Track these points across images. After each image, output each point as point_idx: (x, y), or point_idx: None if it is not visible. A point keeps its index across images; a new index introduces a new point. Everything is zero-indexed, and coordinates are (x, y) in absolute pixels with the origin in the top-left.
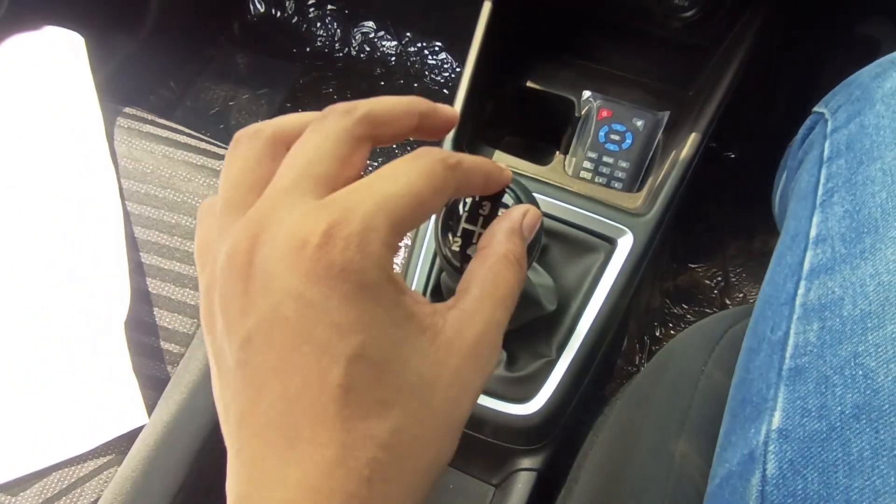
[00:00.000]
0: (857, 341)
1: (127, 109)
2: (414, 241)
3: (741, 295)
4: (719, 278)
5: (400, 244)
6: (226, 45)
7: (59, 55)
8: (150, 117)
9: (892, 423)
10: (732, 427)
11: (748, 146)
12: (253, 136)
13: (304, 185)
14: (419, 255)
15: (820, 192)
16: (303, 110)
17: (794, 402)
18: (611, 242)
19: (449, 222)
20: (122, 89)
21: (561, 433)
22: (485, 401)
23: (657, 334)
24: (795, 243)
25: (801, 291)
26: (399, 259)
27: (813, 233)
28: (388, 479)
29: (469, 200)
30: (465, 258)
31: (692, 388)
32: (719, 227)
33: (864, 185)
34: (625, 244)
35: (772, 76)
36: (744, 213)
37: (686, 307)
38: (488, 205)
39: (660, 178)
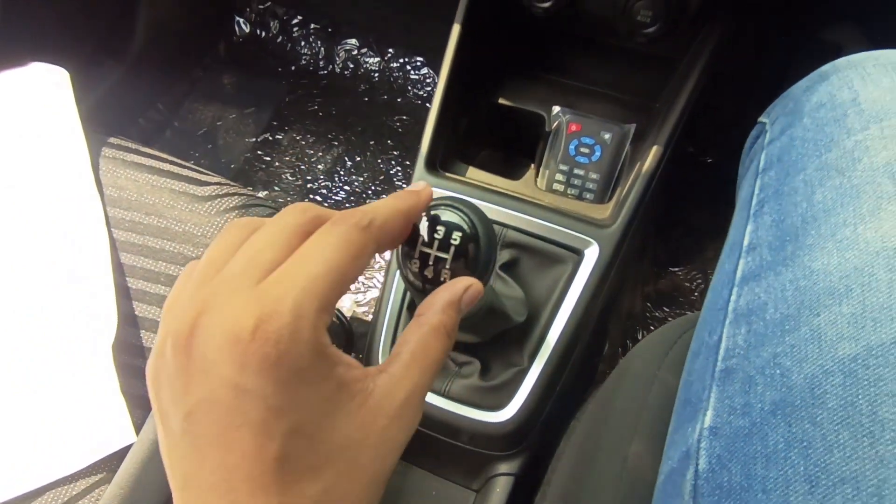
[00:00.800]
0: (777, 343)
1: (111, 139)
2: (389, 264)
3: None
4: (699, 280)
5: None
6: (212, 67)
7: (44, 91)
8: (133, 146)
9: (802, 417)
10: (676, 427)
11: (724, 150)
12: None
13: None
14: (394, 277)
15: (754, 202)
16: (289, 128)
17: (724, 401)
18: (578, 253)
19: (409, 246)
20: (111, 114)
21: (539, 437)
22: (459, 409)
23: (638, 337)
24: (732, 252)
25: (733, 298)
26: (378, 277)
27: (745, 241)
28: None
29: (426, 225)
30: (424, 279)
31: (646, 392)
32: (698, 230)
33: (789, 196)
34: (591, 255)
35: (743, 81)
36: (722, 216)
37: (667, 310)
38: (442, 228)
39: (625, 190)
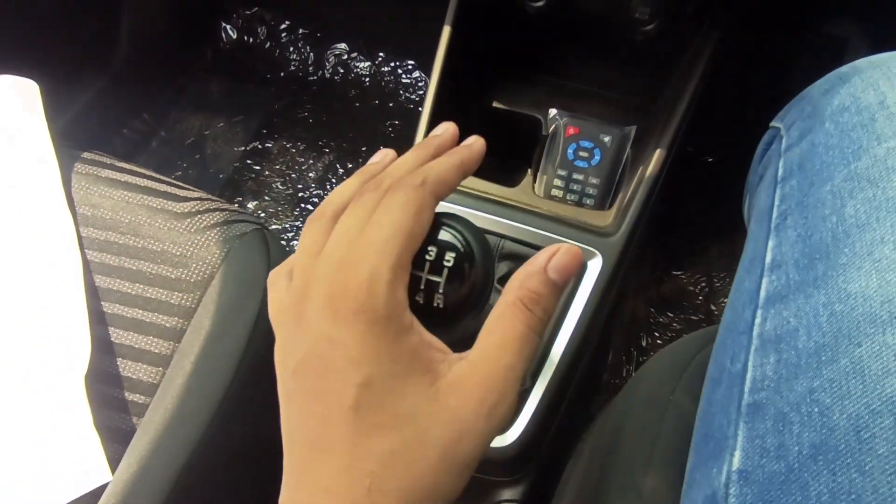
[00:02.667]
0: (813, 375)
1: (85, 154)
2: None
3: (725, 300)
4: (703, 284)
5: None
6: (199, 75)
7: (11, 104)
8: (108, 161)
9: (848, 464)
10: (696, 464)
11: (725, 149)
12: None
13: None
14: None
15: (774, 214)
16: (279, 136)
17: (754, 440)
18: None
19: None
20: (94, 125)
21: (543, 459)
22: None
23: (643, 344)
24: (753, 267)
25: (758, 321)
26: None
27: (768, 258)
28: (386, 493)
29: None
30: (415, 306)
31: (659, 418)
32: (700, 232)
33: (815, 208)
34: (594, 267)
35: (744, 79)
36: (724, 217)
37: (671, 315)
38: (434, 249)
39: (627, 196)
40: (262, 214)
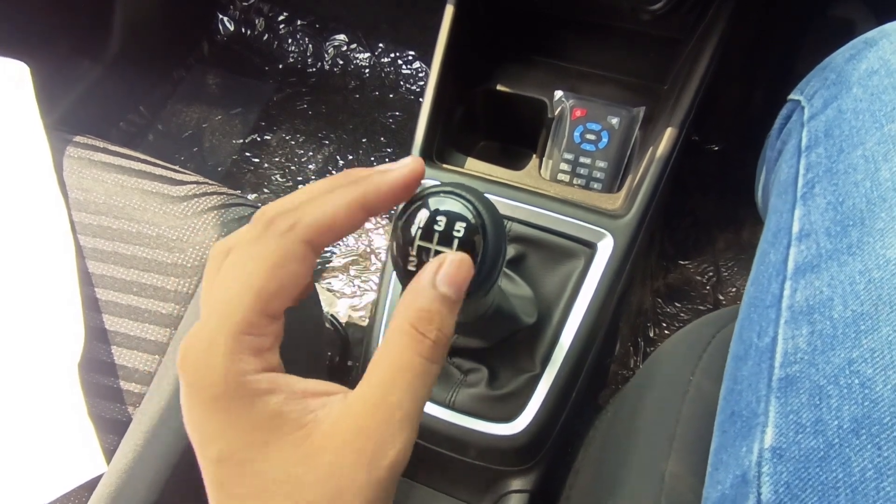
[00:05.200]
0: (851, 346)
1: (77, 138)
2: (385, 264)
3: (734, 289)
4: (710, 273)
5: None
6: (196, 67)
7: (1, 86)
8: (101, 144)
9: (894, 438)
10: (723, 444)
11: (731, 137)
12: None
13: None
14: (389, 279)
15: (800, 183)
16: (278, 128)
17: (787, 416)
18: (591, 247)
19: (404, 241)
20: (88, 117)
21: (553, 448)
22: (466, 421)
23: (651, 335)
24: (778, 240)
25: (786, 293)
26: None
27: (796, 228)
28: None
29: (423, 215)
30: None
31: (679, 400)
32: (707, 221)
33: (846, 174)
34: (605, 248)
35: (749, 64)
36: (731, 206)
37: (679, 305)
38: (444, 219)
39: (638, 177)
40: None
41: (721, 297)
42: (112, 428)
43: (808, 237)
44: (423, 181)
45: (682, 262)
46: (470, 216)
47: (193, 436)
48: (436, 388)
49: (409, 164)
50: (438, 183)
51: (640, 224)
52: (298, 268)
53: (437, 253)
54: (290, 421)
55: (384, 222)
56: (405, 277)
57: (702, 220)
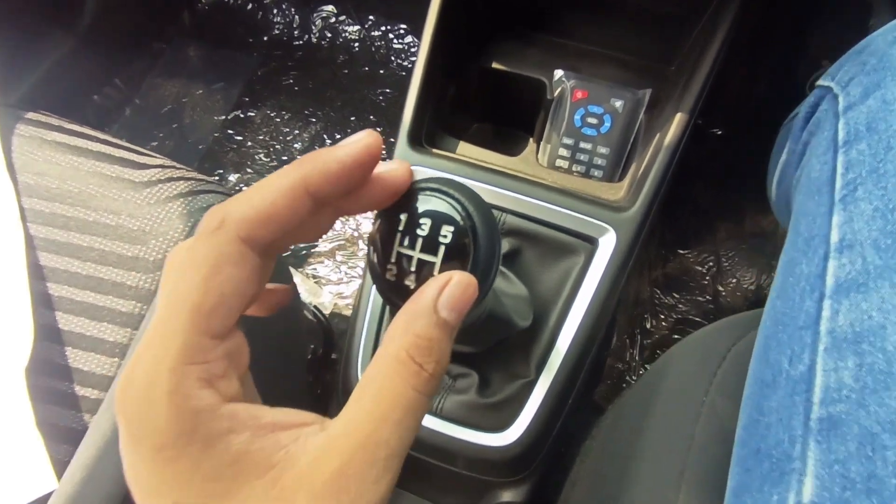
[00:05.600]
0: None
1: (30, 115)
2: (366, 273)
3: (734, 280)
4: (711, 264)
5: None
6: (175, 38)
7: None
8: (56, 122)
9: None
10: (745, 485)
11: (734, 122)
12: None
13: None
14: (370, 289)
15: (839, 184)
16: (262, 104)
17: (831, 466)
18: (591, 242)
19: (382, 246)
20: (60, 90)
21: (547, 456)
22: (454, 430)
23: (648, 327)
24: (811, 248)
25: (825, 314)
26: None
27: (835, 236)
28: None
29: (403, 217)
30: (404, 291)
31: (691, 422)
32: (707, 209)
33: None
34: (607, 243)
35: (756, 45)
36: (733, 194)
37: (677, 296)
38: (428, 222)
39: (643, 166)
40: (245, 188)
41: (721, 289)
42: (65, 437)
43: (852, 249)
44: (413, 169)
45: (681, 252)
46: (458, 218)
47: (136, 492)
48: None
49: (362, 138)
50: (425, 178)
51: (644, 218)
52: (238, 272)
53: (421, 262)
54: (258, 462)
55: None
56: (384, 288)
57: (702, 208)
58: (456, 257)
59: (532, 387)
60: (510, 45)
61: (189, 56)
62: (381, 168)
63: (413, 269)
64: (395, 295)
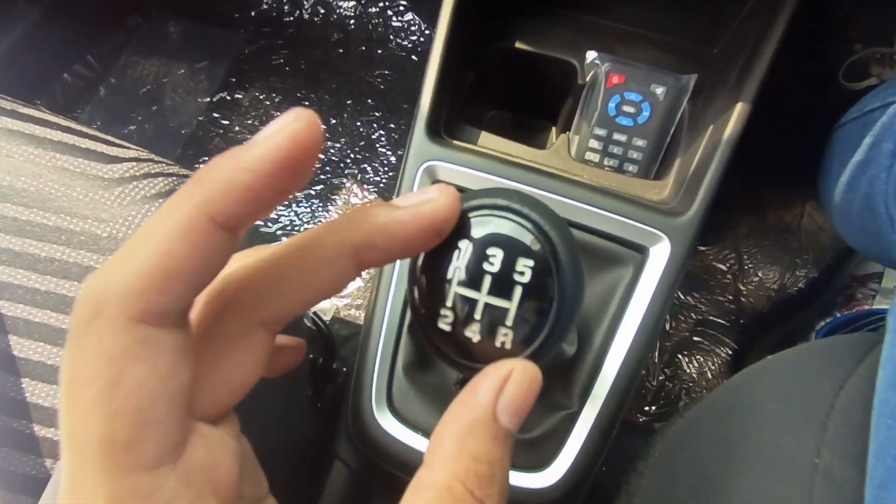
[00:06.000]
0: None
1: None
2: (378, 279)
3: (757, 278)
4: (732, 261)
5: None
6: (154, 11)
7: None
8: (8, 106)
9: None
10: None
11: (758, 110)
12: None
13: None
14: (385, 300)
15: None
16: (250, 86)
17: None
18: (641, 252)
19: (436, 284)
20: (25, 67)
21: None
22: None
23: (667, 328)
24: None
25: None
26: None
27: None
28: None
29: (464, 247)
30: (463, 348)
31: (806, 494)
32: (727, 203)
33: None
34: (659, 254)
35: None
36: (754, 187)
37: (697, 295)
38: (498, 253)
39: (695, 163)
40: None
41: (742, 288)
42: (24, 486)
43: None
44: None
45: (700, 248)
46: (537, 247)
47: None
48: None
49: (283, 126)
50: (474, 190)
51: (701, 223)
52: (157, 365)
53: (489, 307)
54: None
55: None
56: (436, 340)
57: (722, 203)
58: (534, 300)
59: (575, 419)
60: (536, 24)
61: (169, 31)
62: (418, 199)
63: (478, 316)
64: (452, 350)
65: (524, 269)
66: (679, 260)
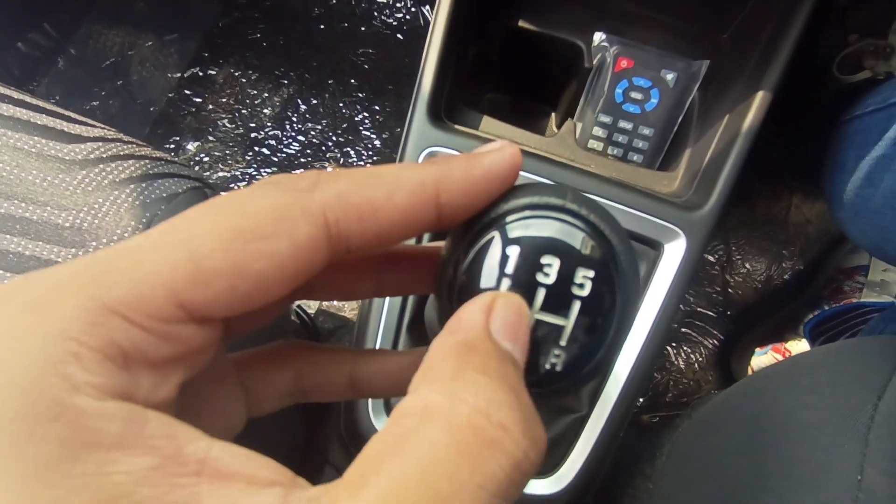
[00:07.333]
0: None
1: None
2: None
3: (745, 270)
4: (720, 252)
5: None
6: None
7: None
8: None
9: None
10: None
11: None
12: None
13: None
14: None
15: None
16: (224, 61)
17: None
18: (655, 248)
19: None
20: None
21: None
22: None
23: None
24: None
25: None
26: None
27: None
28: None
29: (513, 253)
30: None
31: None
32: None
33: None
34: (674, 250)
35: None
36: (745, 177)
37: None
38: (554, 262)
39: (709, 154)
40: (206, 159)
41: (730, 279)
42: None
43: None
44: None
45: None
46: (598, 254)
47: None
48: None
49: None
50: (513, 186)
51: (718, 219)
52: (302, 249)
53: (541, 324)
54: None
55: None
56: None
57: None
58: (591, 317)
59: (584, 422)
60: (542, 2)
61: (135, 0)
62: (485, 148)
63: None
64: None
65: (584, 280)
66: (695, 257)
